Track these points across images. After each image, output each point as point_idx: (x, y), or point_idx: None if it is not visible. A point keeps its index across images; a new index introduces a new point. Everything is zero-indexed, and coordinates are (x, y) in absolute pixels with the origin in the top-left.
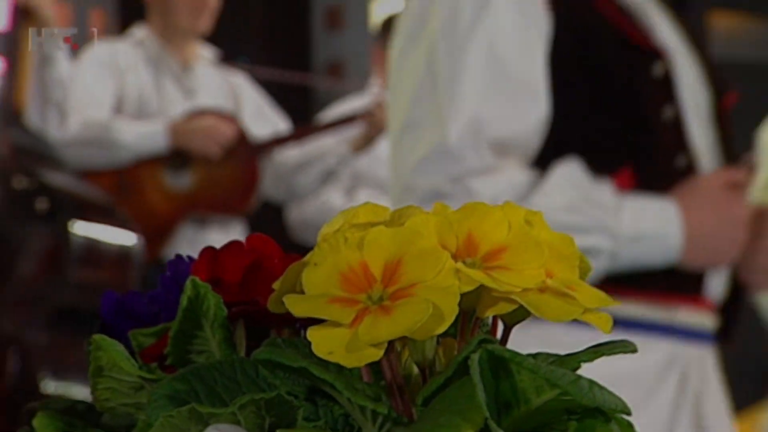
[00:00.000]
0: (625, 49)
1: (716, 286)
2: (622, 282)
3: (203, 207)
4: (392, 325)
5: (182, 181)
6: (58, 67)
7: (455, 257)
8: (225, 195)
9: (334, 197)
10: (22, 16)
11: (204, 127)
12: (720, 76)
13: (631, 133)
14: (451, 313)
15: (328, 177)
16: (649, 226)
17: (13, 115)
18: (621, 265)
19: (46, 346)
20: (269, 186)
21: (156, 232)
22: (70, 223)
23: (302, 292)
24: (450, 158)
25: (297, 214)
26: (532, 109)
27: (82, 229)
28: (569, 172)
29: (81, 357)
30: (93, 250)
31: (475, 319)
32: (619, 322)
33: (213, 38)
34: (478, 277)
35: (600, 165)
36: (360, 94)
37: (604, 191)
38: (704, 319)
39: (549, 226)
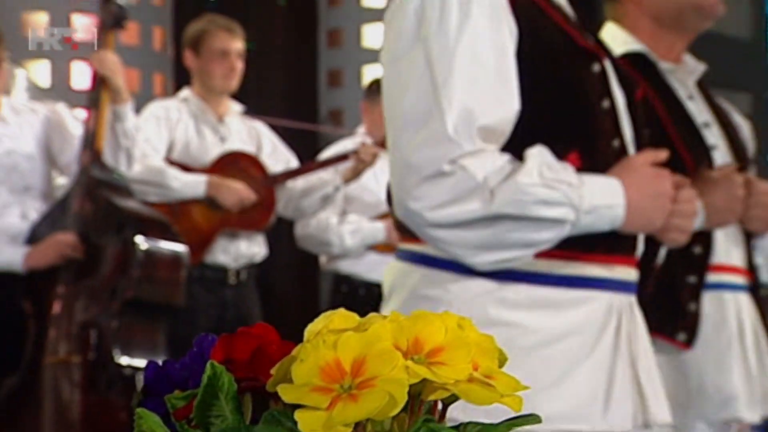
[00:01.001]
0: (573, 50)
1: (638, 245)
2: (574, 246)
3: (233, 224)
4: (358, 410)
5: (218, 206)
6: (127, 121)
7: (405, 354)
8: (250, 215)
9: (331, 216)
10: (101, 80)
11: (233, 188)
12: (630, 77)
13: (580, 122)
14: (402, 399)
15: (326, 201)
16: (601, 201)
17: (95, 156)
18: (578, 231)
19: (116, 328)
20: (282, 207)
21: (198, 243)
22: (135, 236)
23: (291, 381)
24: (448, 143)
25: (301, 229)
26: (509, 101)
27: (144, 240)
28: (542, 155)
29: (142, 337)
30: (152, 256)
31: (421, 401)
32: (573, 279)
33: (240, 95)
34: (422, 372)
35: (554, 149)
36: (350, 138)
37: (569, 172)
38: (632, 273)
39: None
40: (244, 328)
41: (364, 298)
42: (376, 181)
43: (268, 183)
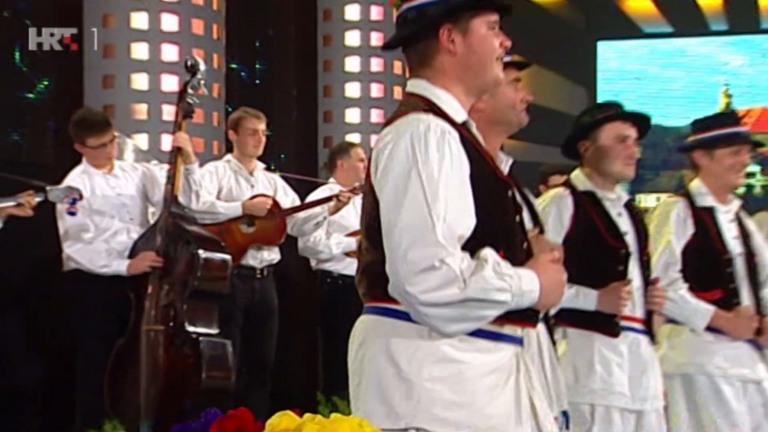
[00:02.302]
0: (496, 180)
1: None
2: (499, 318)
3: (260, 241)
4: None
5: (249, 229)
6: (195, 174)
7: None
8: (270, 235)
9: (322, 235)
10: (177, 148)
11: (258, 200)
12: (521, 194)
13: (505, 231)
14: None
15: (317, 225)
16: (527, 287)
17: (173, 197)
18: (510, 308)
19: (186, 309)
20: (290, 229)
21: (237, 253)
22: (198, 250)
23: None
24: (438, 246)
25: (302, 243)
26: (470, 217)
27: (203, 252)
28: (492, 256)
29: (202, 314)
30: (209, 262)
31: None
32: (496, 335)
33: (265, 157)
34: None
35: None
36: (327, 186)
37: (510, 267)
38: (528, 333)
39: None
40: (233, 411)
41: (341, 285)
42: (347, 213)
43: (281, 214)
